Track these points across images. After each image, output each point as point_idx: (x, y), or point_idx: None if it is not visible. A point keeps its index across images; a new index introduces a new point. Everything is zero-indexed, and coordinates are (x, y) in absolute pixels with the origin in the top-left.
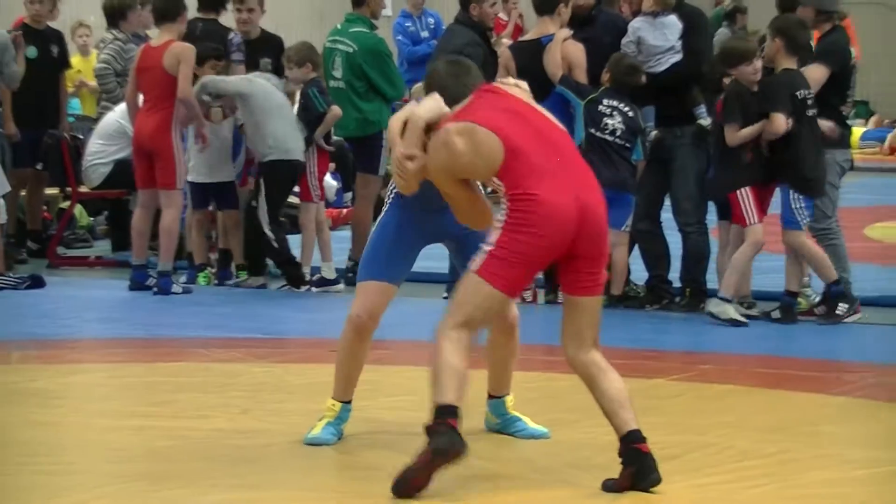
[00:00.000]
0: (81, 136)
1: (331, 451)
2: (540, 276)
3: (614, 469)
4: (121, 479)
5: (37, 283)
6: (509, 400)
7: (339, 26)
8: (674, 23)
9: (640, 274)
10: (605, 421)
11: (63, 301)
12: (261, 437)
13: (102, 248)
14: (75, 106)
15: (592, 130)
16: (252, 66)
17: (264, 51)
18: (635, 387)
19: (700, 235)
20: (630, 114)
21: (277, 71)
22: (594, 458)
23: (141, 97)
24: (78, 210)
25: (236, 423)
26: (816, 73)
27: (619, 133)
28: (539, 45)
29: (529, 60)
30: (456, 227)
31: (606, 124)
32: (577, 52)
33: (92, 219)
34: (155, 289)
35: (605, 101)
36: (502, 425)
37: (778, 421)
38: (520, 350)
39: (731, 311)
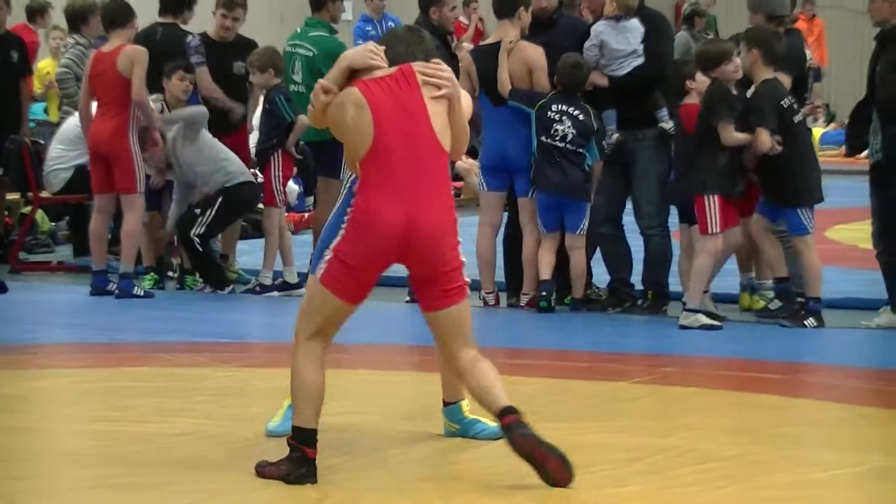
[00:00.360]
0: (42, 142)
1: None
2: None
3: (583, 471)
4: (85, 483)
5: None
6: (465, 404)
7: (298, 30)
8: (636, 26)
9: (601, 277)
10: (572, 423)
11: (25, 306)
12: (224, 441)
13: (64, 253)
14: (37, 111)
15: (543, 138)
16: (225, 69)
17: (238, 54)
18: (597, 390)
19: (662, 238)
20: (580, 117)
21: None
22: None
23: (94, 103)
24: (39, 215)
25: (200, 428)
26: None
27: (569, 138)
28: (498, 49)
29: (490, 64)
30: None
31: (556, 130)
32: (538, 55)
33: (53, 224)
34: (117, 291)
35: (554, 107)
36: (462, 430)
37: (741, 423)
38: None
39: (703, 319)
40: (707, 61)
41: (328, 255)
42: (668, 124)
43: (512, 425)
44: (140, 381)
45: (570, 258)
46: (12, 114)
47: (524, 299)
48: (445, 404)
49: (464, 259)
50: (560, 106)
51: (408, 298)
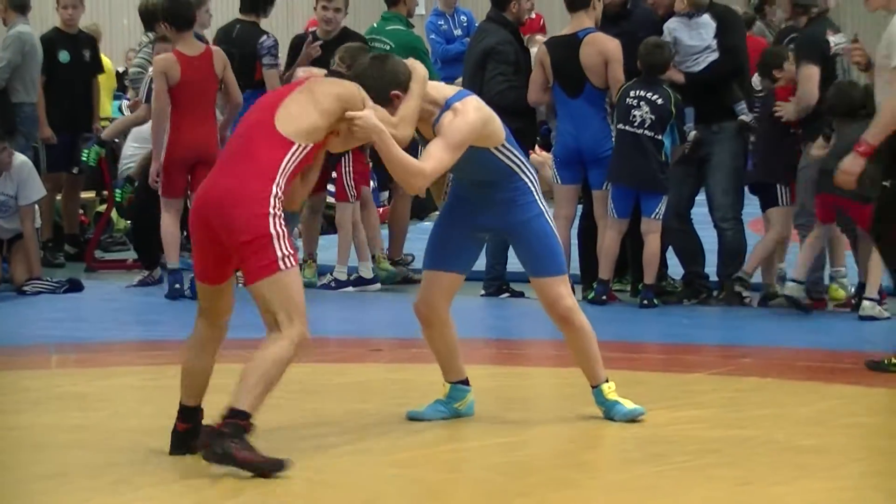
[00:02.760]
0: (117, 140)
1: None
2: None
3: (658, 462)
4: (160, 480)
5: (75, 286)
6: (606, 388)
7: (375, 25)
8: (708, 22)
9: (677, 269)
10: (648, 414)
11: (101, 304)
12: (290, 436)
13: None
14: (112, 109)
15: (620, 125)
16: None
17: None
18: (673, 381)
19: (736, 231)
20: (659, 101)
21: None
22: (632, 452)
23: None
24: (114, 213)
25: (270, 423)
26: (810, 75)
27: (647, 124)
28: (576, 40)
29: (565, 56)
30: (497, 220)
31: (634, 116)
32: (614, 47)
33: (129, 222)
34: (188, 293)
35: (633, 92)
36: (605, 412)
37: (818, 413)
38: (587, 335)
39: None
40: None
41: None
42: (748, 117)
43: (214, 433)
44: (216, 377)
45: (644, 243)
46: (85, 113)
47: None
48: (591, 387)
49: (273, 231)
50: (639, 91)
51: (483, 292)
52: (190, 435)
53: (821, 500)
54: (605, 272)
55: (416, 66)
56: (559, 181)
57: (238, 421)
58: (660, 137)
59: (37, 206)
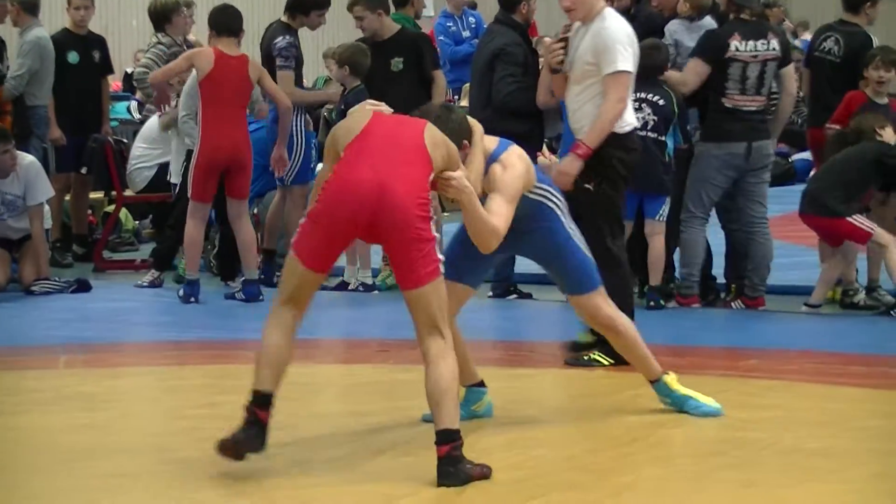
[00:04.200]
0: (125, 140)
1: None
2: None
3: (665, 465)
4: (168, 480)
5: (83, 286)
6: (669, 379)
7: None
8: (710, 24)
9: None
10: (651, 417)
11: (109, 305)
12: (301, 437)
13: (148, 251)
14: (120, 110)
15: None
16: (384, 67)
17: (397, 50)
18: (682, 383)
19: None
20: (660, 102)
21: (419, 71)
22: (638, 455)
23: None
24: (123, 214)
25: (279, 424)
26: (692, 67)
27: (650, 126)
28: None
29: None
30: (527, 248)
31: (637, 119)
32: None
33: (137, 222)
34: (243, 296)
35: (634, 95)
36: (674, 404)
37: (825, 415)
38: (632, 337)
39: None
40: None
41: (301, 220)
42: None
43: (441, 462)
44: (226, 378)
45: (648, 245)
46: (95, 113)
47: None
48: (651, 382)
49: (437, 235)
50: (639, 93)
51: (490, 294)
52: (267, 426)
53: (827, 503)
54: None
55: (471, 120)
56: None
57: (458, 442)
58: (663, 139)
59: (47, 207)
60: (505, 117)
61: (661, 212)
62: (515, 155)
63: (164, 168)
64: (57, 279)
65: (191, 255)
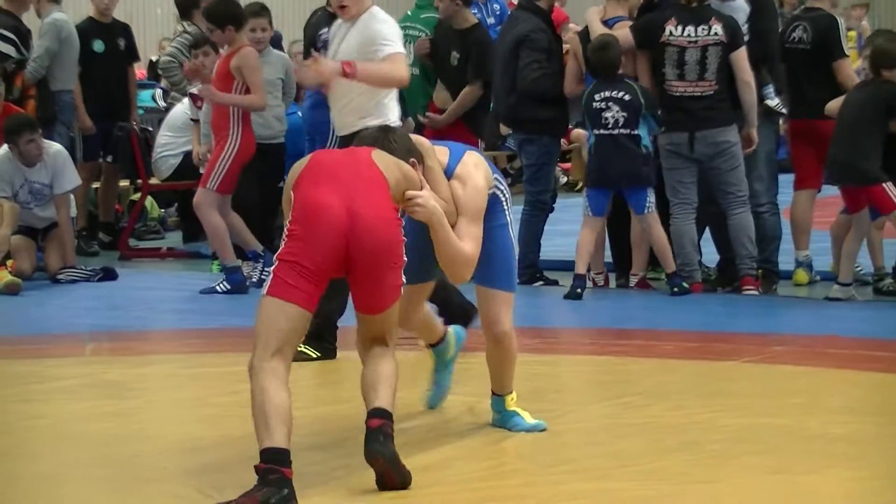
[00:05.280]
0: (151, 129)
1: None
2: (609, 259)
3: (691, 451)
4: (193, 469)
5: (109, 275)
6: (509, 398)
7: (409, 13)
8: (742, 6)
9: (711, 256)
10: (678, 403)
11: (135, 293)
12: (321, 425)
13: (174, 239)
14: (145, 98)
15: (596, 130)
16: (443, 61)
17: (454, 44)
18: (706, 370)
19: (772, 216)
20: (626, 97)
21: (472, 68)
22: (665, 441)
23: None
24: (149, 202)
25: (301, 412)
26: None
27: (620, 123)
28: (605, 27)
29: None
30: None
31: (606, 119)
32: (629, 37)
33: (163, 210)
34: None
35: (598, 96)
36: (501, 420)
37: (850, 402)
38: (511, 356)
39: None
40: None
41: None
42: (773, 101)
43: (372, 433)
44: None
45: (650, 237)
46: (121, 101)
47: (633, 280)
48: (493, 393)
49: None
50: (603, 93)
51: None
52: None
53: (853, 489)
54: (580, 267)
55: (418, 138)
56: None
57: (390, 422)
58: (636, 132)
59: (72, 195)
60: (530, 104)
61: (647, 204)
62: (471, 164)
63: (189, 156)
64: (83, 267)
65: (226, 243)
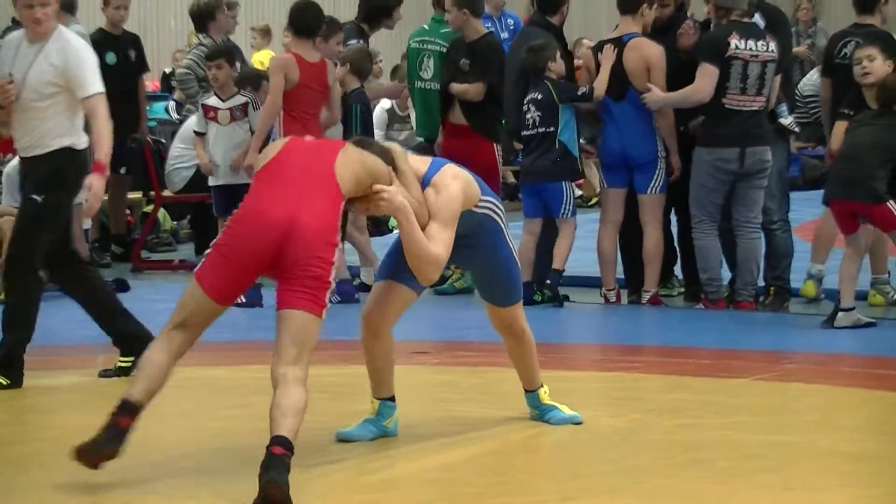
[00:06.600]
0: (164, 141)
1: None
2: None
3: (703, 468)
4: (202, 481)
5: (121, 286)
6: (542, 393)
7: (426, 26)
8: (757, 22)
9: (724, 273)
10: (689, 420)
11: (147, 304)
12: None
13: (186, 251)
14: (158, 110)
15: (524, 132)
16: (456, 64)
17: (462, 53)
18: (718, 387)
19: (783, 233)
20: (539, 97)
21: (476, 69)
22: (677, 458)
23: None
24: (161, 214)
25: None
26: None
27: (537, 122)
28: (620, 44)
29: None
30: (464, 260)
31: (528, 120)
32: (657, 53)
33: (175, 222)
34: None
35: (525, 101)
36: (539, 415)
37: (862, 420)
38: (531, 349)
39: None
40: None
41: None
42: (786, 119)
43: (271, 460)
44: (260, 377)
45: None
46: (131, 113)
47: (645, 296)
48: (525, 391)
49: (331, 282)
50: (529, 96)
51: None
52: (127, 433)
53: None
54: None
55: (391, 145)
56: (605, 185)
57: (290, 454)
58: (552, 129)
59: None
60: None
61: (563, 209)
62: (449, 175)
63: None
64: None
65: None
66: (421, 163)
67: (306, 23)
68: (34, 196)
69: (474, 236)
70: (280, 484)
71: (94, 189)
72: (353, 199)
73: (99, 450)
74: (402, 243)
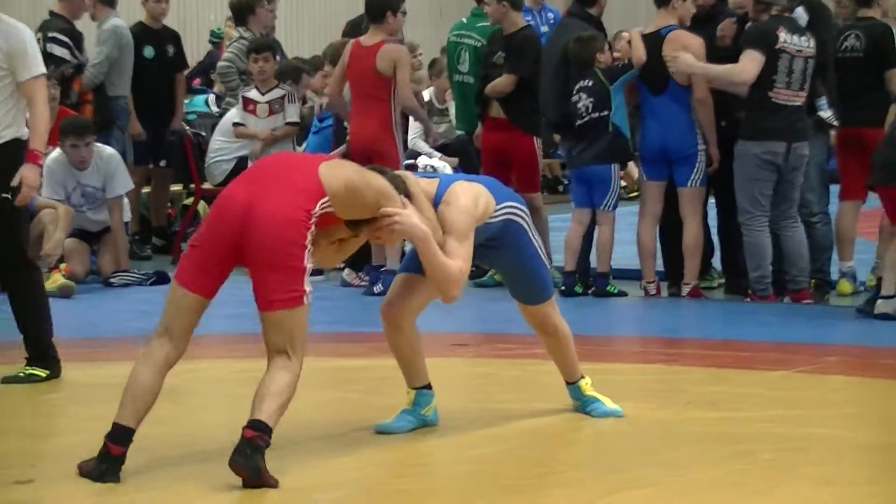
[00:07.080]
0: (204, 134)
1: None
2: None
3: (745, 460)
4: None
5: (161, 279)
6: (583, 384)
7: (464, 21)
8: (801, 15)
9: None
10: (731, 413)
11: None
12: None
13: None
14: (198, 103)
15: (577, 122)
16: (491, 56)
17: (504, 45)
18: (759, 379)
19: (824, 226)
20: (591, 84)
21: (509, 62)
22: (718, 450)
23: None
24: (201, 206)
25: (347, 417)
26: (753, 56)
27: (590, 108)
28: (658, 37)
29: (649, 53)
30: (491, 261)
31: (580, 108)
32: (696, 45)
33: None
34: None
35: (574, 90)
36: (581, 407)
37: None
38: (568, 341)
39: None
40: None
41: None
42: (826, 113)
43: (242, 442)
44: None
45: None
46: (167, 107)
47: (685, 289)
48: (567, 383)
49: (306, 265)
50: (577, 84)
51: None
52: (122, 461)
53: None
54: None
55: (402, 172)
56: (645, 178)
57: (266, 436)
58: (605, 113)
59: (126, 200)
60: None
61: (607, 199)
62: (459, 190)
63: (242, 161)
64: (136, 271)
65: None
66: (429, 184)
67: (372, 4)
68: (4, 195)
69: (499, 238)
70: (246, 467)
71: (28, 181)
72: (360, 224)
73: (96, 480)
74: (423, 266)
